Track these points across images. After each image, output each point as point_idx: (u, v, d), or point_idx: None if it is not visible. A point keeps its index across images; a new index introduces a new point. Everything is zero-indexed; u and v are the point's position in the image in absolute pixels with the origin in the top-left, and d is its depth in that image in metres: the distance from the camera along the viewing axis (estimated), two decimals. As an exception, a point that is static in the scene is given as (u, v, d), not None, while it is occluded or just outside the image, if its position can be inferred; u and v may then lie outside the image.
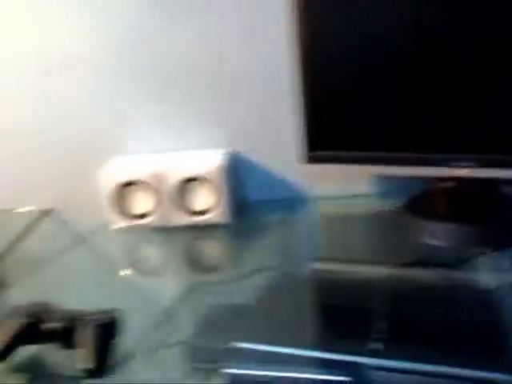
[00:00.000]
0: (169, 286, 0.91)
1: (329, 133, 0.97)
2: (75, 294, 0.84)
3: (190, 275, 0.96)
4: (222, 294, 0.85)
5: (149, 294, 0.89)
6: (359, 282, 0.87)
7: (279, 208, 1.10)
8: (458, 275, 0.86)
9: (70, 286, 0.90)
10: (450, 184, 0.97)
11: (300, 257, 0.99)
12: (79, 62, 1.05)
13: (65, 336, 0.67)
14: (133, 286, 0.93)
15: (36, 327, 0.68)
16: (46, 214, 1.09)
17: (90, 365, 0.64)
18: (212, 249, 1.06)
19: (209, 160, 1.04)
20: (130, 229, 1.04)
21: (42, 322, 0.68)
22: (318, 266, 0.96)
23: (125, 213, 1.04)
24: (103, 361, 0.66)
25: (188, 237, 1.04)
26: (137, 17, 1.03)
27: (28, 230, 1.05)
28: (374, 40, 0.91)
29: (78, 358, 0.65)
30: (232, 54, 1.04)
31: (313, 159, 0.98)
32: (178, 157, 1.07)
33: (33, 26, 1.05)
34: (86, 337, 0.66)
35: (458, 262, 0.88)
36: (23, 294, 0.92)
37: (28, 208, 1.11)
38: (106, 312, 0.70)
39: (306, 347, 0.71)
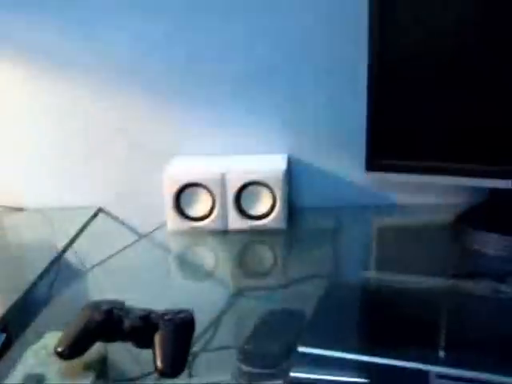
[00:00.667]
0: (221, 289, 0.91)
1: (394, 141, 0.98)
2: (128, 293, 0.85)
3: (242, 279, 0.96)
4: (272, 300, 0.85)
5: (200, 296, 0.89)
6: (414, 292, 0.87)
7: (337, 215, 1.10)
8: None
9: (122, 285, 0.90)
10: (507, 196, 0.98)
11: (353, 265, 0.99)
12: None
13: (144, 334, 0.68)
14: (185, 287, 0.93)
15: (116, 324, 0.69)
16: (105, 213, 1.10)
17: (169, 365, 0.65)
18: (266, 254, 1.07)
19: (269, 165, 1.05)
20: (187, 231, 1.05)
21: (121, 319, 0.69)
22: (372, 274, 0.96)
23: (183, 215, 1.05)
24: (183, 361, 0.66)
25: (244, 241, 1.04)
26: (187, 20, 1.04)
27: (84, 228, 1.06)
28: (443, 51, 0.92)
29: (159, 358, 0.65)
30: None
31: (376, 167, 0.99)
32: (238, 160, 1.07)
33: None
34: (167, 336, 0.66)
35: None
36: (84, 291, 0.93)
37: (87, 207, 1.12)
38: (181, 312, 0.71)
39: (364, 353, 0.71)
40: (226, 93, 1.09)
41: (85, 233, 1.04)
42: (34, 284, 0.86)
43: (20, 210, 1.13)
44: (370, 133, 0.99)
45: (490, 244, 0.94)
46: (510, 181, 0.93)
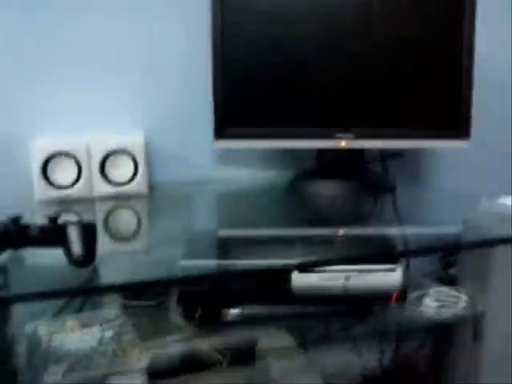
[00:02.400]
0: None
1: (236, 113, 1.18)
2: None
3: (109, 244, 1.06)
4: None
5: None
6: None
7: (189, 185, 1.26)
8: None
9: None
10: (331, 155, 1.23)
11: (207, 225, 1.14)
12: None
13: (53, 236, 0.76)
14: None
15: (21, 231, 0.76)
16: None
17: (81, 255, 0.74)
18: (130, 218, 1.17)
19: (130, 136, 1.17)
20: (54, 199, 1.12)
21: (26, 226, 0.76)
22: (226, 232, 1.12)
23: (51, 184, 1.12)
24: (93, 253, 0.76)
25: (108, 206, 1.14)
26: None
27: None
28: (274, 44, 1.16)
29: (74, 249, 0.74)
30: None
31: (223, 135, 1.18)
32: (102, 133, 1.18)
33: None
34: (78, 232, 0.75)
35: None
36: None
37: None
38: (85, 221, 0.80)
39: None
40: (90, 78, 1.20)
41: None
42: None
43: None
44: (216, 107, 1.18)
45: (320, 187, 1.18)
46: (333, 140, 1.18)
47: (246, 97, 1.18)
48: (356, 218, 1.12)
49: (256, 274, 0.87)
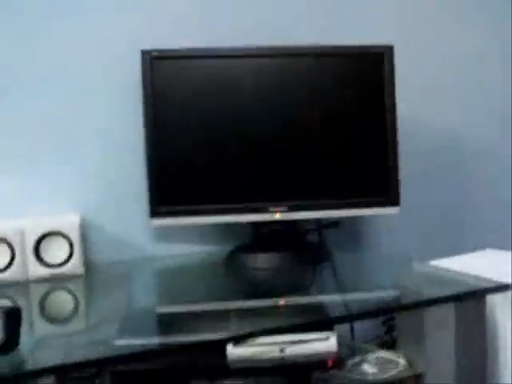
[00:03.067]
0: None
1: (171, 191, 1.21)
2: None
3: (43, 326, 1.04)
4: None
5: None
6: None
7: (127, 264, 1.26)
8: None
9: None
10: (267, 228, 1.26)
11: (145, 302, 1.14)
12: None
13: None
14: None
15: None
16: None
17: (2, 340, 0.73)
18: (66, 299, 1.16)
19: (65, 217, 1.18)
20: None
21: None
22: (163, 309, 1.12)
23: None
24: (13, 338, 0.75)
25: (44, 289, 1.13)
26: None
27: None
28: (205, 122, 1.21)
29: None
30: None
31: (159, 214, 1.20)
32: (36, 216, 1.18)
33: None
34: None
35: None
36: None
37: None
38: (7, 306, 0.79)
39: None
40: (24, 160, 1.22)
41: None
42: None
43: None
44: (150, 186, 1.20)
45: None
46: (267, 214, 1.21)
47: (179, 175, 1.21)
48: (293, 288, 1.13)
49: (190, 348, 0.87)
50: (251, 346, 0.95)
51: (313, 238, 1.34)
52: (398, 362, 1.04)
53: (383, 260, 1.27)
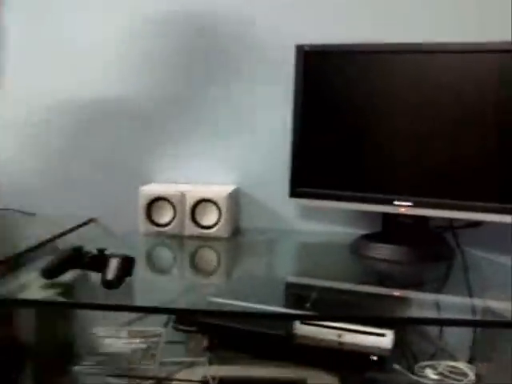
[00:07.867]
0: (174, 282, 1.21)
1: (307, 176, 1.36)
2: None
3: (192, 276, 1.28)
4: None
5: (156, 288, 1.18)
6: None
7: (268, 234, 1.45)
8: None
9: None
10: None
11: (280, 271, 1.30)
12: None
13: (99, 264, 1.01)
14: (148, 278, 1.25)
15: (80, 257, 1.03)
16: (91, 220, 1.47)
17: (111, 279, 0.98)
18: (212, 256, 1.40)
19: (218, 188, 1.42)
20: (153, 234, 1.40)
21: (85, 254, 1.04)
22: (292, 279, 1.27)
23: (152, 222, 1.40)
24: (121, 278, 0.99)
25: (195, 244, 1.38)
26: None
27: (72, 231, 1.39)
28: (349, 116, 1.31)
29: (106, 274, 0.99)
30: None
31: (295, 194, 1.36)
32: (195, 185, 1.44)
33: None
34: (116, 263, 1.00)
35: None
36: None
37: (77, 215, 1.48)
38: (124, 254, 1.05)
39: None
40: (191, 137, 1.49)
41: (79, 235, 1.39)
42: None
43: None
44: (292, 169, 1.36)
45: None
46: (393, 206, 1.28)
47: (316, 161, 1.34)
48: (407, 282, 1.17)
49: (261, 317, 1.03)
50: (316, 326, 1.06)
51: (448, 236, 1.35)
52: (467, 375, 1.03)
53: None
